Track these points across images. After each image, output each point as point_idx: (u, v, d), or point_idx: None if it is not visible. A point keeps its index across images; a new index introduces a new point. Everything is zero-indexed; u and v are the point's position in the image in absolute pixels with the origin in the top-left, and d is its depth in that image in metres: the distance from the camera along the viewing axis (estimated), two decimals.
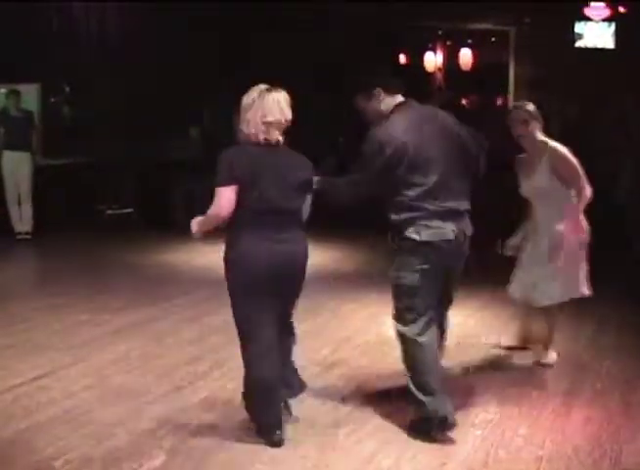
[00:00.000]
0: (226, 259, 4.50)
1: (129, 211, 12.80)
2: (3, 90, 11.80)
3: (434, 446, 4.47)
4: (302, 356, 5.90)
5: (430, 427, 4.59)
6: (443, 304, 4.93)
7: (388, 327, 6.79)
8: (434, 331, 4.74)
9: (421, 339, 4.67)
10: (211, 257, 10.58)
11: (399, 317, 4.77)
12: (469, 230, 4.81)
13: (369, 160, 4.66)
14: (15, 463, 4.27)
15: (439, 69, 16.53)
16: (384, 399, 5.19)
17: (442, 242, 4.63)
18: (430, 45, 16.39)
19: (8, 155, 11.38)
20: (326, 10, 13.33)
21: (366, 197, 4.77)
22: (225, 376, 5.56)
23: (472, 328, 6.88)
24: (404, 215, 4.64)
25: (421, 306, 4.67)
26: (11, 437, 4.61)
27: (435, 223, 4.62)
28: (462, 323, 6.98)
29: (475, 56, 15.75)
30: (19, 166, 11.40)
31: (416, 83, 15.56)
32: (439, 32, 16.27)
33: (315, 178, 4.72)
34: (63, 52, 12.92)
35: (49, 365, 5.85)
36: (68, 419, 4.87)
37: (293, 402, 4.79)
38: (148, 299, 7.83)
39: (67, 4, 13.24)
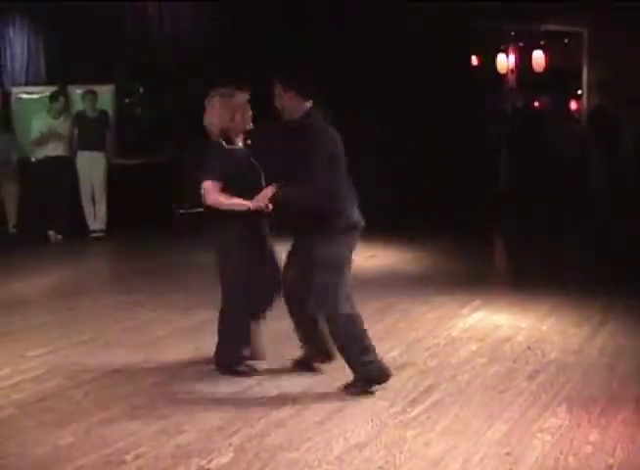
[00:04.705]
0: None
1: (201, 210, 12.91)
2: (79, 91, 12.03)
3: (502, 451, 4.43)
4: None
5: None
6: None
7: (459, 329, 6.84)
8: None
9: None
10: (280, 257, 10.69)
11: None
12: None
13: None
14: (87, 455, 4.35)
15: (512, 70, 16.38)
16: (453, 402, 5.16)
17: None
18: (502, 47, 16.25)
19: (83, 155, 11.60)
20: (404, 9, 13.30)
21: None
22: (294, 376, 5.59)
23: (542, 332, 6.79)
24: None
25: None
26: (84, 430, 4.70)
27: None
28: (532, 327, 6.93)
29: (547, 58, 15.57)
30: (93, 166, 11.62)
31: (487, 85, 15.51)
32: (512, 34, 16.12)
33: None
34: (136, 53, 13.11)
35: (119, 362, 5.96)
36: (139, 415, 4.94)
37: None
38: (216, 298, 7.85)
39: (140, 4, 13.43)
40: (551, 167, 13.87)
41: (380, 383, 5.27)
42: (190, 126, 12.93)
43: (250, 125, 5.65)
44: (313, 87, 5.37)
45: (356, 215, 5.40)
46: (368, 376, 5.28)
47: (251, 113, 5.64)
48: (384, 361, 5.41)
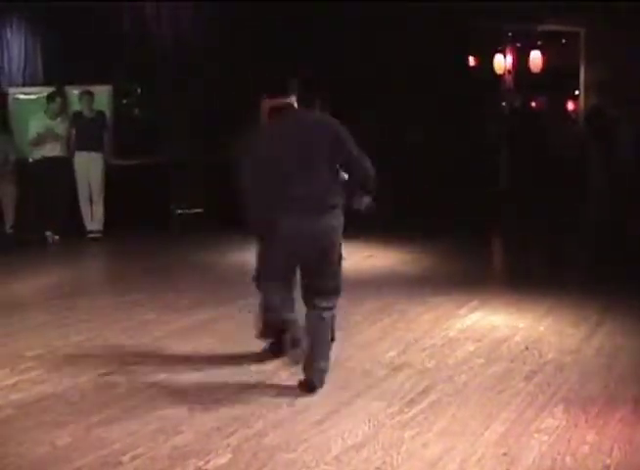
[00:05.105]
0: None
1: (199, 210, 12.93)
2: (76, 92, 12.02)
3: (500, 451, 4.43)
4: (369, 358, 5.96)
5: None
6: None
7: (456, 330, 6.84)
8: None
9: None
10: None
11: None
12: None
13: None
14: (85, 456, 4.35)
15: (509, 71, 16.38)
16: (450, 403, 5.16)
17: None
18: (499, 47, 16.26)
19: (81, 155, 11.61)
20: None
21: None
22: (293, 377, 5.58)
23: (540, 333, 6.79)
24: None
25: None
26: (82, 431, 4.70)
27: None
28: (529, 327, 6.93)
29: (544, 58, 15.57)
30: (91, 167, 11.63)
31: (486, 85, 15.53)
32: (509, 34, 16.13)
33: None
34: (135, 53, 13.10)
35: (117, 362, 5.96)
36: (137, 415, 4.94)
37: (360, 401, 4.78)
38: (215, 298, 7.90)
39: (138, 4, 13.42)
40: (551, 167, 13.89)
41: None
42: (190, 126, 13.06)
43: None
44: (272, 84, 5.38)
45: (284, 223, 5.34)
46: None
47: None
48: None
